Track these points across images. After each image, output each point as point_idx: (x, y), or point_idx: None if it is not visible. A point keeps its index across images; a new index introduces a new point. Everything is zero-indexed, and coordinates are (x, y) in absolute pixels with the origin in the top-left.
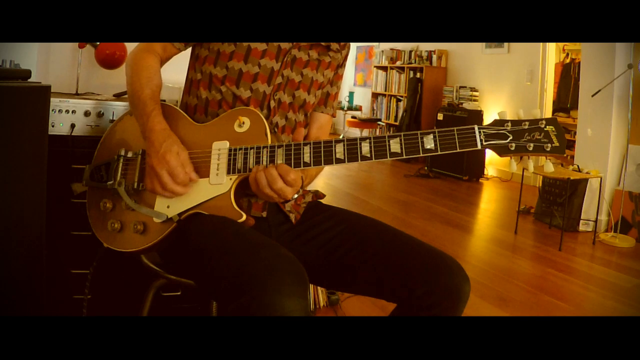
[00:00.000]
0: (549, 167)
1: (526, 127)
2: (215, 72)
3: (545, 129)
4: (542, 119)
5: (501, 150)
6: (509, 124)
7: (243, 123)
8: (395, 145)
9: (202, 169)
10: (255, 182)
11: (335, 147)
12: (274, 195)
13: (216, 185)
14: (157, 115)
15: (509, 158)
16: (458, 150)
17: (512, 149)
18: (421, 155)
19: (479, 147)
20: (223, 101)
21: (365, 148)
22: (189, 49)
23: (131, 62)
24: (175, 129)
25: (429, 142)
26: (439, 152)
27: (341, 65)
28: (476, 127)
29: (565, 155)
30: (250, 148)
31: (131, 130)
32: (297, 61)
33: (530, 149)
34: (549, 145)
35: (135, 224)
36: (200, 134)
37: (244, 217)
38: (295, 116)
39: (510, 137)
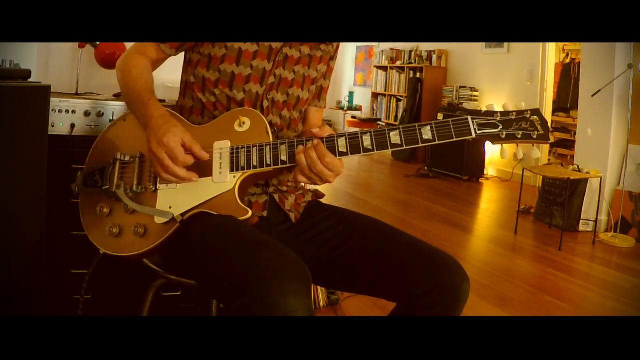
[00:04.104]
0: (537, 153)
1: (513, 117)
2: (208, 75)
3: (530, 119)
4: (527, 110)
5: (493, 139)
6: (498, 114)
7: (244, 123)
8: (395, 137)
9: (204, 169)
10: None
11: (337, 141)
12: (316, 178)
13: (220, 184)
14: (154, 103)
15: (501, 149)
16: (455, 139)
17: (503, 137)
18: (420, 145)
19: (474, 135)
20: (218, 103)
21: (367, 141)
22: (181, 54)
23: (121, 64)
24: None
25: (427, 133)
26: (437, 142)
27: (333, 58)
28: (469, 117)
29: (549, 142)
30: (253, 146)
31: (125, 135)
32: (289, 59)
33: (519, 136)
34: (535, 133)
35: (136, 226)
36: (200, 135)
37: (250, 213)
38: (290, 114)
39: (501, 127)
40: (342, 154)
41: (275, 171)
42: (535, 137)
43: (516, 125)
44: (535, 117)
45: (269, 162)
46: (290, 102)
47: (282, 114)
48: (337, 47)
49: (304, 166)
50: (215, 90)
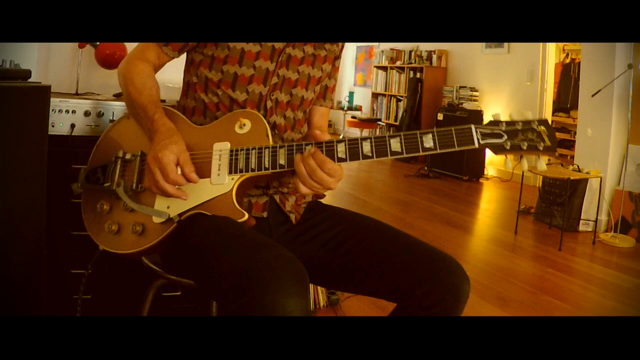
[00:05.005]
0: (542, 165)
1: (520, 127)
2: (211, 76)
3: (537, 130)
4: (534, 120)
5: (497, 149)
6: (504, 124)
7: (244, 125)
8: (395, 145)
9: (203, 170)
10: (299, 175)
11: (337, 147)
12: (317, 186)
13: (217, 186)
14: (160, 117)
15: (504, 157)
16: (457, 148)
17: (508, 147)
18: (421, 154)
19: (477, 145)
20: (220, 104)
21: (367, 147)
22: (183, 55)
23: (123, 71)
24: None
25: (428, 141)
26: (439, 151)
27: (338, 57)
28: (473, 126)
29: (556, 153)
30: (252, 148)
31: (128, 133)
32: (292, 59)
33: (525, 147)
34: (542, 144)
35: (134, 225)
36: (201, 136)
37: (246, 216)
38: (294, 114)
39: (505, 137)
40: (340, 160)
41: (275, 174)
42: (541, 148)
43: (522, 136)
44: (542, 127)
45: (267, 166)
46: (294, 103)
47: (286, 115)
48: (342, 46)
49: (304, 175)
50: (218, 90)
